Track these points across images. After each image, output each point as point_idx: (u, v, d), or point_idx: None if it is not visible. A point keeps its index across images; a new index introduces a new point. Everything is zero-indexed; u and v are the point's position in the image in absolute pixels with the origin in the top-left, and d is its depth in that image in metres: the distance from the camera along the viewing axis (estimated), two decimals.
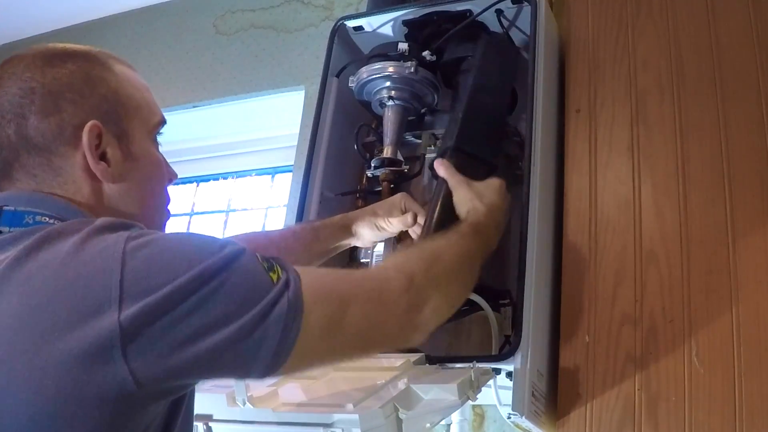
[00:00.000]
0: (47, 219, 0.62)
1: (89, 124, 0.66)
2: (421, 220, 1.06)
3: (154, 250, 0.57)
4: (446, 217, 0.98)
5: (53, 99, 0.66)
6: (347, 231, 1.05)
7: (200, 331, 0.54)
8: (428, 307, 0.72)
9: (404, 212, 1.06)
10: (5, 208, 0.62)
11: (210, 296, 0.55)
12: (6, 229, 0.61)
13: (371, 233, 1.06)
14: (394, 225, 1.06)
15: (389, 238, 1.10)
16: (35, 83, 0.66)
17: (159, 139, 0.76)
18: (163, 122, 0.75)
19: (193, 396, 0.68)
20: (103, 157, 0.67)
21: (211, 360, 0.55)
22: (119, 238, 0.57)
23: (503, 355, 0.92)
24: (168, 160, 0.77)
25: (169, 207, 0.77)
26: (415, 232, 1.06)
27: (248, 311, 0.56)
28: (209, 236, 0.62)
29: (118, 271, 0.54)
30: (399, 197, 1.08)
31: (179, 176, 0.81)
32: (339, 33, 1.28)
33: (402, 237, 1.10)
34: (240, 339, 0.56)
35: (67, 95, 0.67)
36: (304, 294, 0.60)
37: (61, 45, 0.70)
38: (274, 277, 0.60)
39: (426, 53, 1.18)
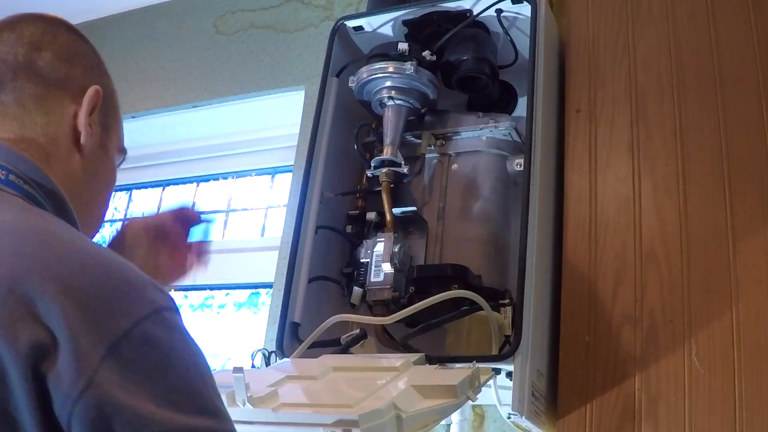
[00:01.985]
0: (20, 182, 0.60)
1: (96, 87, 0.68)
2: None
3: None
4: None
5: (71, 52, 0.69)
6: None
7: None
8: None
9: None
10: None
11: None
12: None
13: None
14: None
15: (389, 236, 1.10)
16: (60, 32, 0.69)
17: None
18: (124, 153, 0.77)
19: None
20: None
21: None
22: None
23: (503, 355, 0.92)
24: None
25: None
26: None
27: None
28: None
29: None
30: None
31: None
32: (339, 33, 1.28)
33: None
34: None
35: (82, 60, 0.70)
36: None
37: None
38: None
39: (426, 53, 1.18)
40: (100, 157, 0.70)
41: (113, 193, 0.76)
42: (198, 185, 2.02)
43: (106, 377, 0.45)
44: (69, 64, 0.68)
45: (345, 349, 1.01)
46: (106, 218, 0.77)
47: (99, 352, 0.46)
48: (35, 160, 0.63)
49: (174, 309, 0.53)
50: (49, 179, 0.63)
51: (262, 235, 1.84)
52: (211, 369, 0.53)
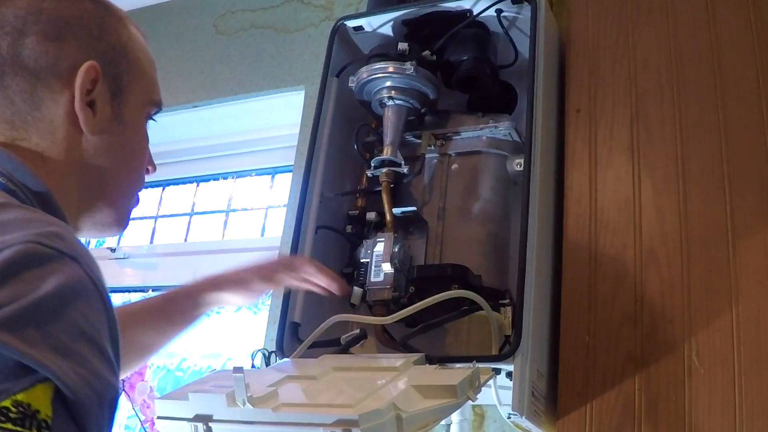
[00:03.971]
0: (2, 178, 0.57)
1: (88, 63, 0.63)
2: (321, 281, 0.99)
3: None
4: None
5: (60, 26, 0.63)
6: (195, 303, 0.93)
7: None
8: None
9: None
10: None
11: None
12: None
13: (240, 299, 0.97)
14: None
15: (389, 236, 1.10)
16: (47, 4, 0.63)
17: (151, 132, 0.72)
18: (160, 104, 0.72)
19: None
20: (90, 106, 0.63)
21: None
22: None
23: (503, 355, 0.92)
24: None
25: (139, 194, 0.74)
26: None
27: None
28: None
29: None
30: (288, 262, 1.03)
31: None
32: (339, 33, 1.28)
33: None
34: None
35: (74, 28, 0.64)
36: None
37: None
38: None
39: (426, 53, 1.18)
40: (115, 128, 0.66)
41: (146, 155, 0.73)
42: (198, 185, 2.02)
43: None
44: (58, 43, 0.63)
45: (345, 349, 1.01)
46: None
47: None
48: (28, 163, 0.60)
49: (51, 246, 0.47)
50: (39, 182, 0.60)
51: (262, 235, 1.84)
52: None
